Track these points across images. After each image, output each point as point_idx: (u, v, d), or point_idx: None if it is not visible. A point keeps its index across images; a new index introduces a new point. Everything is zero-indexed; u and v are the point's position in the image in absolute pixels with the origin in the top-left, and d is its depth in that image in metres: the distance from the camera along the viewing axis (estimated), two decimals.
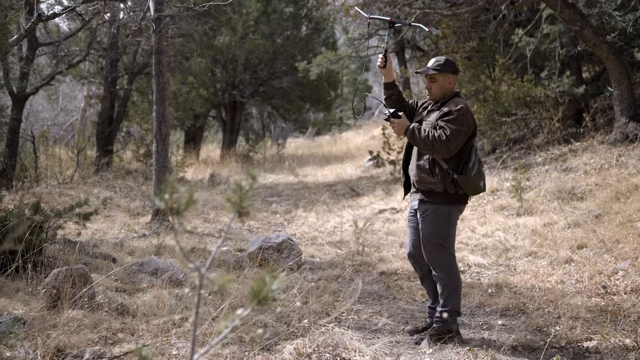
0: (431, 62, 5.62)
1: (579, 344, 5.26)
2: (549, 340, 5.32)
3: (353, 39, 20.18)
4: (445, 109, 5.40)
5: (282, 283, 1.79)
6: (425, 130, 5.34)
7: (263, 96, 28.17)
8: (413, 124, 5.47)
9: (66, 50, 16.48)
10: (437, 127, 5.32)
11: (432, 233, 5.45)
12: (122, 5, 10.73)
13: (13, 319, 5.17)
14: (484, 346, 5.27)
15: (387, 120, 5.64)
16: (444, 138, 5.21)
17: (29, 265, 6.48)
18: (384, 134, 17.13)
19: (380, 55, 5.68)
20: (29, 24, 5.49)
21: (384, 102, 5.92)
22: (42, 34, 17.05)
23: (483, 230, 9.85)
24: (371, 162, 18.73)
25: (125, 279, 6.91)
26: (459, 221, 10.38)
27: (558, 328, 5.64)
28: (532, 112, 14.19)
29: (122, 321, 5.62)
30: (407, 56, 20.13)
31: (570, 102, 13.78)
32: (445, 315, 5.39)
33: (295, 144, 36.87)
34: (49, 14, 5.49)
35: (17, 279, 6.56)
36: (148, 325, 5.48)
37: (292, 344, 5.07)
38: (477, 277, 7.81)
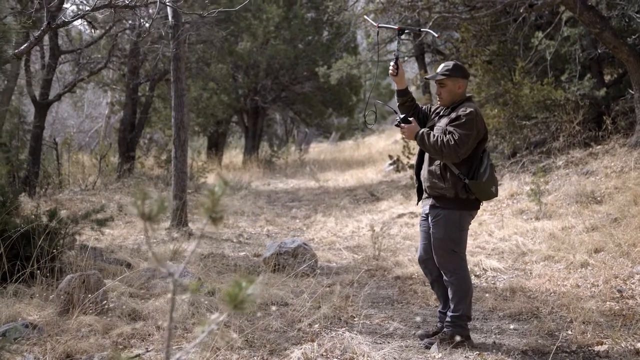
0: (440, 68, 5.64)
1: (589, 348, 5.23)
2: (559, 344, 5.28)
3: (374, 43, 20.15)
4: (454, 114, 5.40)
5: (258, 288, 1.80)
6: (434, 135, 5.36)
7: (285, 101, 28.24)
8: (422, 129, 5.47)
9: (88, 58, 16.62)
10: (447, 132, 5.33)
11: (443, 238, 5.46)
12: (142, 13, 10.78)
13: (18, 325, 5.23)
14: (494, 350, 5.25)
15: (397, 125, 5.68)
16: (453, 143, 5.22)
17: (45, 271, 6.57)
18: (404, 138, 17.11)
19: (392, 63, 5.70)
20: (39, 32, 5.56)
21: (394, 109, 5.94)
22: (65, 41, 17.24)
23: (501, 235, 9.81)
24: (392, 167, 18.73)
25: (138, 285, 6.96)
26: (477, 225, 10.45)
27: (570, 332, 5.61)
28: (553, 115, 14.10)
29: (133, 326, 5.65)
30: (427, 60, 20.08)
31: (591, 105, 13.68)
32: (455, 320, 5.43)
33: (318, 149, 36.91)
34: (58, 21, 5.56)
35: (34, 285, 6.64)
36: (159, 331, 5.52)
37: (301, 348, 5.08)
38: (492, 282, 7.77)
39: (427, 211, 5.65)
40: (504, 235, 9.74)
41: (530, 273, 7.88)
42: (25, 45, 5.61)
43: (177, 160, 11.47)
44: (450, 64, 5.61)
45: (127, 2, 5.69)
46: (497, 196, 5.59)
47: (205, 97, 22.65)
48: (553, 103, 13.77)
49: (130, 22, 14.92)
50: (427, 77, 5.88)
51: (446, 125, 5.40)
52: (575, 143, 13.25)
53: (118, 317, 5.83)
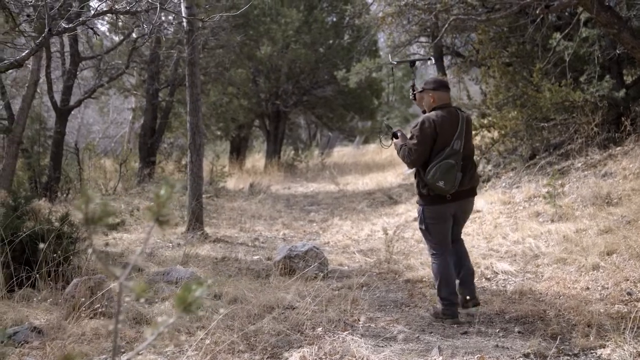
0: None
1: (592, 351, 5.19)
2: (562, 347, 5.25)
3: (394, 46, 20.07)
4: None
5: (206, 290, 1.82)
6: (402, 149, 6.32)
7: (306, 105, 28.28)
8: (400, 144, 6.42)
9: (108, 64, 16.75)
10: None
11: (419, 229, 6.63)
12: (154, 19, 10.85)
13: (22, 329, 5.30)
14: (497, 353, 5.22)
15: (390, 139, 6.73)
16: (407, 153, 6.23)
17: (54, 274, 6.64)
18: None
19: (411, 91, 6.71)
20: (40, 39, 5.62)
21: (387, 126, 7.32)
22: (86, 47, 17.40)
23: (515, 237, 9.75)
24: (411, 170, 18.67)
25: (147, 289, 7.00)
26: (492, 228, 10.40)
27: (574, 335, 5.57)
28: (572, 117, 13.97)
29: (137, 330, 5.70)
30: (446, 63, 19.98)
31: (610, 106, 13.53)
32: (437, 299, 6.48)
33: (342, 153, 36.91)
34: (58, 28, 5.62)
35: (44, 288, 6.71)
36: (164, 335, 5.55)
37: (300, 351, 5.09)
38: (503, 285, 7.73)
39: None
40: (517, 238, 9.68)
41: (541, 276, 7.83)
42: (26, 52, 5.68)
43: (192, 164, 11.54)
44: (429, 79, 6.63)
45: (128, 8, 5.76)
46: (449, 191, 6.15)
47: (225, 101, 22.72)
48: (572, 104, 13.65)
49: (149, 26, 15.01)
50: (413, 92, 6.73)
51: None
52: (595, 145, 13.11)
53: (122, 320, 5.88)
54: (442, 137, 6.15)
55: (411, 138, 6.18)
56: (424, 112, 6.58)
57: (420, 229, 6.50)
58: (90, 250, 6.96)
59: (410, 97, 6.74)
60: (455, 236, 6.61)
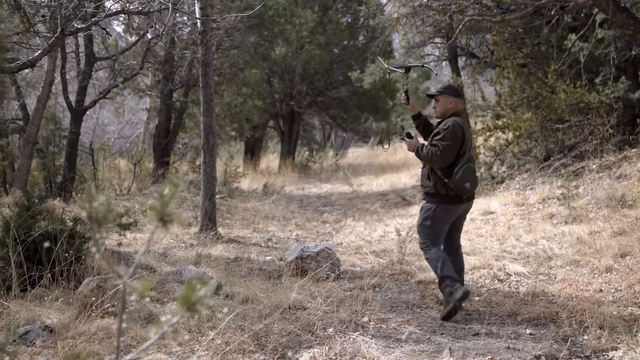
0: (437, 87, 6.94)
1: (604, 354, 5.16)
2: (574, 349, 5.23)
3: (409, 47, 19.99)
4: (437, 130, 6.62)
5: (210, 290, 1.82)
6: (426, 148, 6.55)
7: (320, 106, 28.27)
8: (418, 144, 6.69)
9: (122, 65, 16.80)
10: (432, 145, 6.51)
11: (420, 224, 6.78)
12: (164, 19, 10.88)
13: (35, 328, 5.33)
14: (508, 355, 5.20)
15: (402, 140, 7.03)
16: (439, 153, 6.43)
17: (67, 274, 6.68)
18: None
19: (403, 95, 7.07)
20: (52, 39, 5.65)
21: (401, 125, 7.34)
22: (101, 48, 17.49)
23: (528, 239, 9.71)
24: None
25: (158, 288, 7.03)
26: (505, 229, 10.37)
27: (586, 337, 5.54)
28: (587, 118, 13.89)
29: (148, 330, 5.71)
30: (460, 64, 19.87)
31: (626, 107, 13.45)
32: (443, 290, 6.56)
33: (356, 154, 36.89)
34: (71, 28, 5.65)
35: (57, 287, 6.75)
36: (173, 334, 5.56)
37: (310, 352, 5.09)
38: (515, 286, 7.70)
39: None
40: (531, 239, 9.63)
41: (554, 277, 7.79)
42: (39, 52, 5.72)
43: (206, 164, 11.55)
44: (445, 83, 7.05)
45: (140, 9, 5.78)
46: (471, 191, 6.58)
47: (239, 102, 22.75)
48: (587, 106, 13.57)
49: (164, 27, 15.05)
50: (427, 94, 7.19)
51: (432, 139, 6.61)
52: (609, 146, 13.04)
53: (134, 320, 5.90)
54: (466, 141, 6.54)
55: (443, 139, 6.44)
56: (418, 115, 7.02)
57: (424, 224, 6.68)
58: (94, 249, 6.98)
59: (403, 101, 7.08)
60: (456, 240, 7.06)
